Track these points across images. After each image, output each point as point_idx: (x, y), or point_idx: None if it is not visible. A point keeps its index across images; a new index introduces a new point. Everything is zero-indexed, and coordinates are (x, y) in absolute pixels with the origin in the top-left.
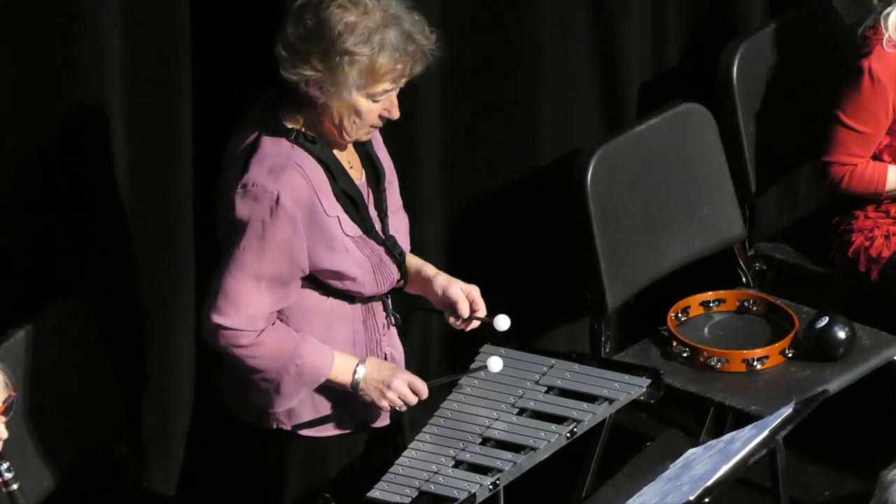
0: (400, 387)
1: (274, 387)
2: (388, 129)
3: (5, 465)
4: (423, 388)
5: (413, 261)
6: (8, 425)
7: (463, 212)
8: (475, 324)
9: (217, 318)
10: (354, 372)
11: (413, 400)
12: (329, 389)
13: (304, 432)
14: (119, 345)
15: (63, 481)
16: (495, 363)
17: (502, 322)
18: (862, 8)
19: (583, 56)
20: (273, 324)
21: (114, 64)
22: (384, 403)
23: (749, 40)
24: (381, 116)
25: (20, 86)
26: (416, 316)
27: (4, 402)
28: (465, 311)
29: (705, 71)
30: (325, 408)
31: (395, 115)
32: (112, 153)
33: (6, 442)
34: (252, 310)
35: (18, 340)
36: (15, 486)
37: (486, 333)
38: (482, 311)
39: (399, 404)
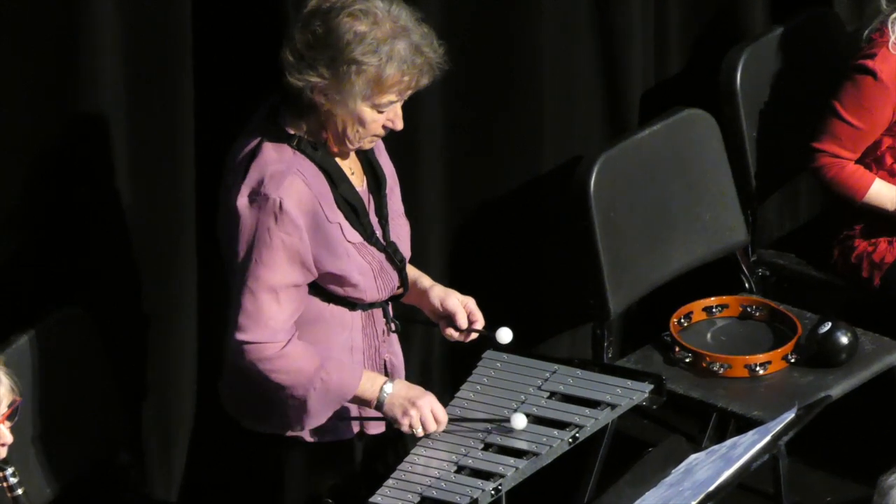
0: (424, 407)
1: (300, 403)
2: (390, 135)
3: (10, 470)
4: (443, 417)
5: (410, 271)
6: (11, 431)
7: (465, 218)
8: (473, 336)
9: (240, 336)
10: (381, 389)
11: (432, 426)
12: None
13: (302, 438)
14: (121, 352)
15: (65, 488)
16: (519, 420)
17: (504, 335)
18: (864, 14)
19: (585, 62)
20: (297, 337)
21: (115, 70)
22: (405, 421)
23: (752, 46)
24: (384, 127)
25: (21, 92)
26: (417, 326)
27: (10, 406)
28: (463, 322)
29: (708, 77)
30: None
31: (399, 126)
32: (114, 160)
33: (9, 448)
34: (273, 322)
35: (20, 347)
36: (20, 491)
37: (488, 341)
38: (480, 323)
39: (418, 426)
